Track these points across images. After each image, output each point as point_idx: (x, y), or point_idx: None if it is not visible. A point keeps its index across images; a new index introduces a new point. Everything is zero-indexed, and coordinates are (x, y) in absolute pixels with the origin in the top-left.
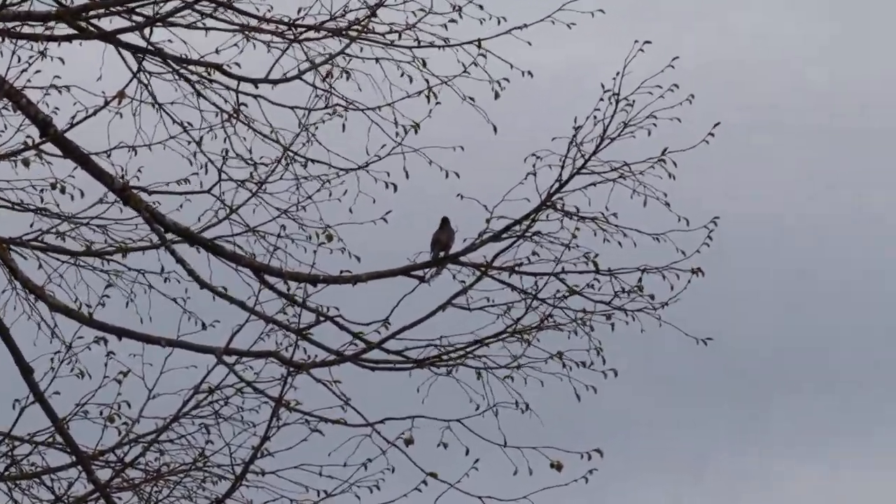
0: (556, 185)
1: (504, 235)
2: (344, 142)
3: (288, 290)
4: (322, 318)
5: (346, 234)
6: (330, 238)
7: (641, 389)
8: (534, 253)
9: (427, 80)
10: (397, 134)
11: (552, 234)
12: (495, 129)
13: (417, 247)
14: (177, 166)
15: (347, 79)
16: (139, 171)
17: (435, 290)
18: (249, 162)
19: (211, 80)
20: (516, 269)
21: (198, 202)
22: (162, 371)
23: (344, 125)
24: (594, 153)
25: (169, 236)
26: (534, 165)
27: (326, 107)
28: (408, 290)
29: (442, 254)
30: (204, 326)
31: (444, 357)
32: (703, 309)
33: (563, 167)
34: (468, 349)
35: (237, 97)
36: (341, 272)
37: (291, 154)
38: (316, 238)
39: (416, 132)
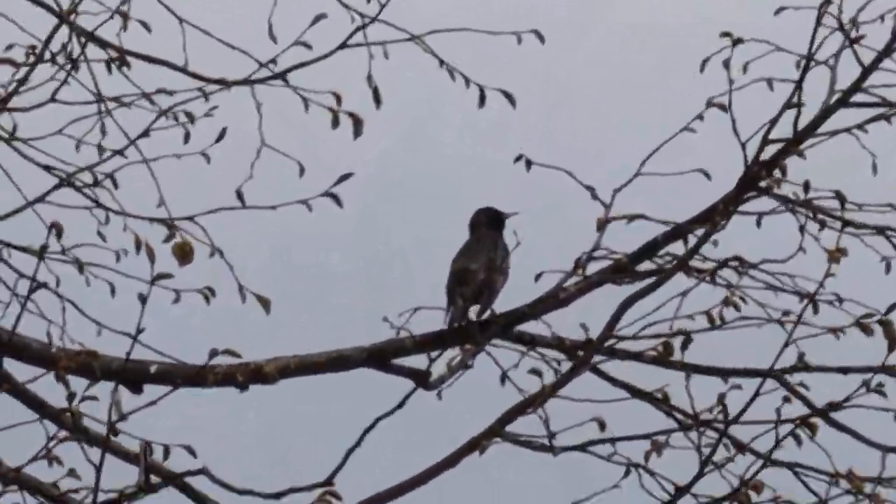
0: (788, 135)
1: (644, 264)
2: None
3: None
4: (163, 480)
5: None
6: (185, 253)
7: None
8: (722, 321)
9: None
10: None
11: (771, 264)
12: None
13: (410, 295)
14: None
15: None
16: None
17: (455, 400)
18: None
19: None
20: (678, 360)
21: None
22: None
23: None
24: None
25: None
26: (732, 80)
27: None
28: (388, 402)
29: (474, 312)
30: None
31: None
32: None
33: (799, 87)
34: None
35: None
36: (215, 354)
37: (78, 33)
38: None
39: None
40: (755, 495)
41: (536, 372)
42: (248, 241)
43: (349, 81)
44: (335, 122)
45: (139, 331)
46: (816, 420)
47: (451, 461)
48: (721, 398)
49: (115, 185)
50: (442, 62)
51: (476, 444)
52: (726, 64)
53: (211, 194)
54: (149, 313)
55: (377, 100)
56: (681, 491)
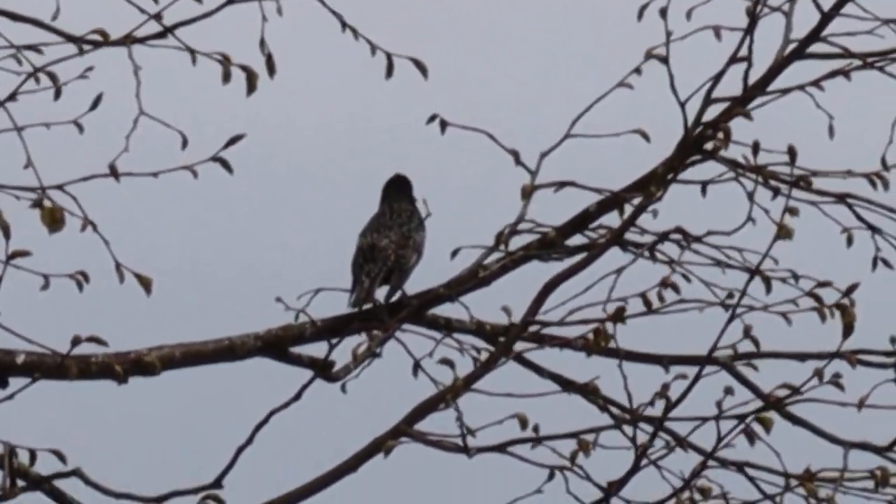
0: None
1: (575, 238)
2: None
3: None
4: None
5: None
6: (56, 220)
7: None
8: (661, 301)
9: None
10: None
11: (717, 237)
12: None
13: (310, 275)
14: None
15: None
16: None
17: (362, 392)
18: None
19: None
20: (612, 346)
21: None
22: None
23: None
24: None
25: None
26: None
27: None
28: (286, 394)
29: (385, 292)
30: None
31: None
32: None
33: (749, 36)
34: None
35: None
36: (78, 342)
37: None
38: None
39: None
40: (700, 497)
41: (448, 362)
42: (128, 214)
43: (245, 46)
44: (226, 78)
45: None
46: (769, 413)
47: (351, 465)
48: (664, 390)
49: None
50: (344, 24)
51: (380, 445)
52: (663, 12)
53: (86, 164)
54: (13, 297)
55: (271, 68)
56: (611, 489)
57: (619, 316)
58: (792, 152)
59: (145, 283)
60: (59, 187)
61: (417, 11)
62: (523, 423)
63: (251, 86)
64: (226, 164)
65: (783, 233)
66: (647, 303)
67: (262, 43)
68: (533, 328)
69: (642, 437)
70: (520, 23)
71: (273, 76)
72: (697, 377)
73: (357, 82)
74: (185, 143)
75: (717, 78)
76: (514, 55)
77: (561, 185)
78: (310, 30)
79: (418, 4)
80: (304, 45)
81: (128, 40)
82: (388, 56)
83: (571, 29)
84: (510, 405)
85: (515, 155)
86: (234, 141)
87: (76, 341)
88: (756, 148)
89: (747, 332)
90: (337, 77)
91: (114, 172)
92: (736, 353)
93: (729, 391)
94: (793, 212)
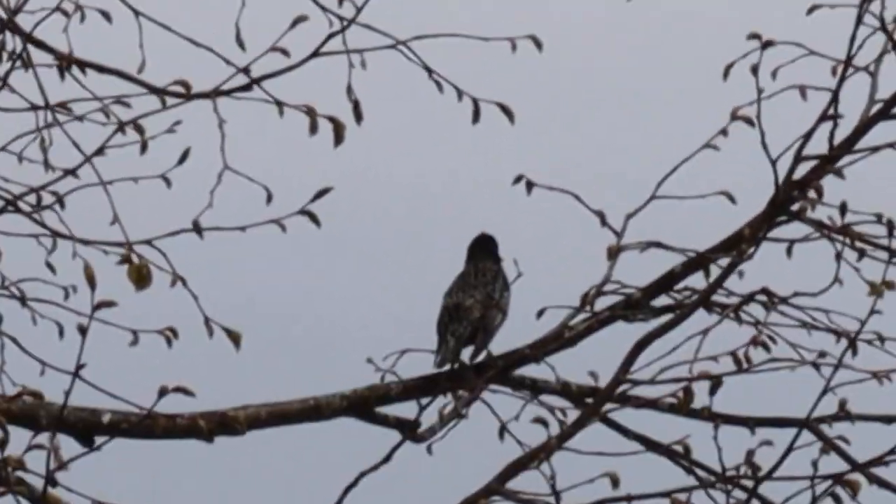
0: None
1: (660, 299)
2: None
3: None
4: None
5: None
6: (142, 277)
7: None
8: (749, 363)
9: None
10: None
11: (804, 298)
12: None
13: (395, 332)
14: None
15: None
16: None
17: (449, 453)
18: None
19: None
20: (700, 408)
21: None
22: None
23: None
24: None
25: None
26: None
27: None
28: (372, 455)
29: (470, 352)
30: None
31: None
32: None
33: (835, 97)
34: None
35: None
36: (164, 393)
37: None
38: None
39: None
40: None
41: (541, 421)
42: (215, 269)
43: (329, 95)
44: (313, 129)
45: (79, 367)
46: (857, 477)
47: None
48: (749, 456)
49: (62, 207)
50: (430, 71)
51: None
52: (755, 70)
53: (172, 216)
54: (101, 353)
55: (358, 115)
56: None
57: (715, 384)
58: (891, 225)
59: (234, 338)
60: (148, 242)
61: (502, 73)
62: (615, 481)
63: (338, 137)
64: (313, 217)
65: (876, 290)
66: (738, 361)
67: (349, 89)
68: (623, 387)
69: (732, 500)
70: (606, 84)
71: (360, 123)
72: (791, 446)
73: (445, 138)
74: (269, 198)
75: (808, 136)
76: (602, 116)
77: (647, 245)
78: (395, 83)
79: (503, 64)
80: (390, 97)
81: (214, 93)
82: (475, 101)
83: (657, 89)
84: (595, 464)
85: (601, 216)
86: (321, 194)
87: (163, 392)
88: (844, 209)
89: (842, 406)
90: (425, 131)
91: (197, 229)
92: (827, 417)
93: (825, 451)
94: (890, 286)
